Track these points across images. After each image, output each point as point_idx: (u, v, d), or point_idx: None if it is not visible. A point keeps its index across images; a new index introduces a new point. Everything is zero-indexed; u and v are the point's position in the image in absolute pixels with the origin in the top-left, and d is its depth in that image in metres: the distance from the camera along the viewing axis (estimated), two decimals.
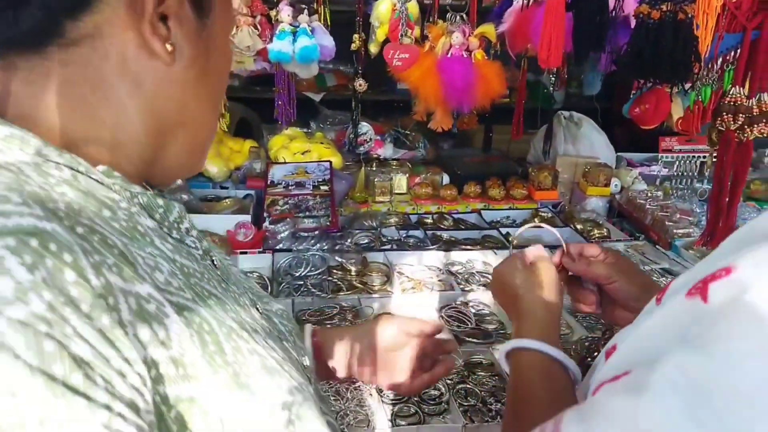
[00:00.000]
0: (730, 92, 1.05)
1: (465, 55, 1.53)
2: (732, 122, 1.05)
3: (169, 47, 0.43)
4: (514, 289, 0.75)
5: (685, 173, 1.97)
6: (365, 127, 1.92)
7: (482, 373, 1.14)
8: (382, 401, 1.03)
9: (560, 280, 0.77)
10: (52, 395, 0.30)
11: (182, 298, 0.40)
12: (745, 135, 1.05)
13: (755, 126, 1.05)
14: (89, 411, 0.31)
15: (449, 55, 1.53)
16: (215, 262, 0.50)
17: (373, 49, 1.61)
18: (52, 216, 0.34)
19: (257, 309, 0.53)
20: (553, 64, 1.17)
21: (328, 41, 1.56)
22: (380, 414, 1.01)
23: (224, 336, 0.41)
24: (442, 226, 1.75)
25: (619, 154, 2.14)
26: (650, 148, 2.07)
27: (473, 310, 1.34)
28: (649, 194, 1.82)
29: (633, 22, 1.34)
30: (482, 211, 1.84)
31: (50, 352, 0.30)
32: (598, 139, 2.09)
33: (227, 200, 1.72)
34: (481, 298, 1.39)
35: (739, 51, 1.02)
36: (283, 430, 0.42)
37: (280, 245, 1.53)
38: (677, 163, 1.97)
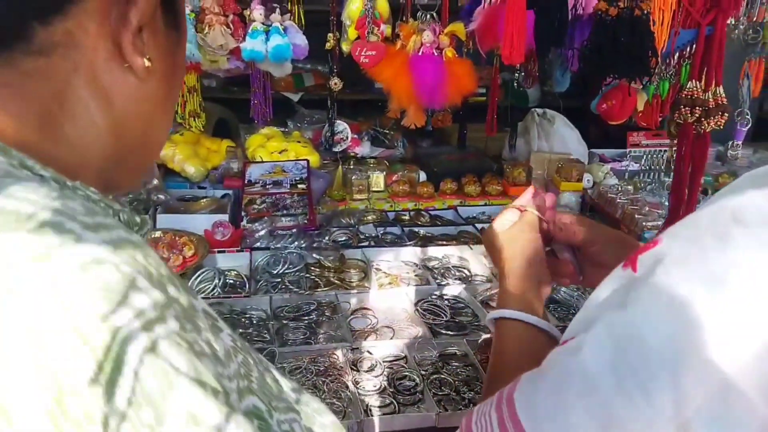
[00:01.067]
0: (687, 86, 1.10)
1: (436, 54, 1.56)
2: (689, 115, 1.09)
3: (147, 62, 0.39)
4: (496, 254, 0.78)
5: (652, 167, 2.02)
6: (341, 125, 1.94)
7: (456, 364, 1.16)
8: (358, 392, 1.05)
9: (538, 240, 0.76)
10: (225, 416, 0.29)
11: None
12: (702, 127, 1.10)
13: (711, 118, 1.09)
14: (248, 421, 0.31)
15: (420, 54, 1.56)
16: None
17: (346, 47, 1.63)
18: (122, 225, 0.33)
19: None
20: (516, 60, 1.20)
21: (301, 40, 1.58)
22: (356, 405, 1.02)
23: (241, 342, 0.38)
24: (419, 223, 1.78)
25: (591, 150, 2.18)
26: (623, 144, 2.12)
27: (448, 304, 1.36)
28: (620, 188, 1.87)
29: None
30: (458, 208, 1.86)
31: (201, 370, 0.30)
32: (570, 136, 2.13)
33: (204, 200, 1.73)
34: (456, 291, 1.41)
35: (694, 46, 1.06)
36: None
37: (258, 244, 1.54)
38: (645, 157, 2.02)
